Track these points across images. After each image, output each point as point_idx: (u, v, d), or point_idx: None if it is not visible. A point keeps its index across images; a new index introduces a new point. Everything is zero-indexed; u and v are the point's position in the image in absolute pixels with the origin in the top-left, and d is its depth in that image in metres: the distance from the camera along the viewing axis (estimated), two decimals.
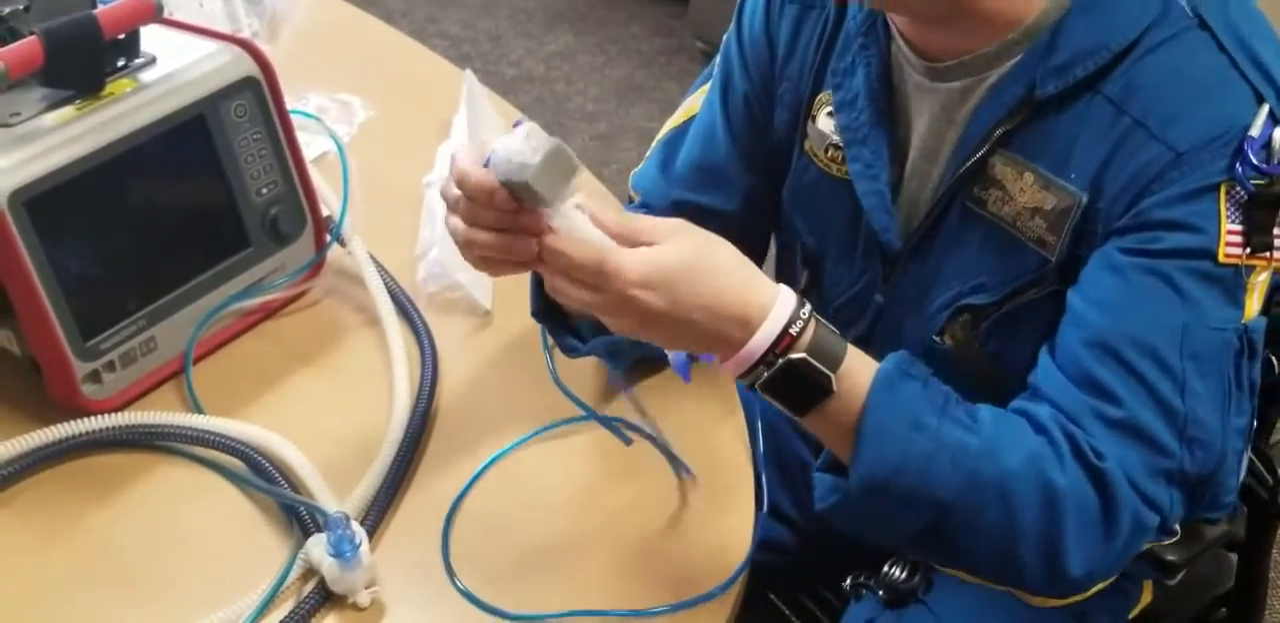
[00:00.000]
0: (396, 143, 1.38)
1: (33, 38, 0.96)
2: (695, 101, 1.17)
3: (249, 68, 1.06)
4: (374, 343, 1.12)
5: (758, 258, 1.09)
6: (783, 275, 1.17)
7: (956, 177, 0.95)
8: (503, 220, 0.80)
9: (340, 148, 1.22)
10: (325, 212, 1.17)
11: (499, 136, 0.77)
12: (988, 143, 0.93)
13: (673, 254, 0.78)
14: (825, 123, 1.04)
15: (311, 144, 1.30)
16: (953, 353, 0.99)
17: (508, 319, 1.16)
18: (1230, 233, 0.85)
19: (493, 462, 1.00)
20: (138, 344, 1.04)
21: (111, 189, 1.00)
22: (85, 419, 0.99)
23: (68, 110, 0.99)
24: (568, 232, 0.78)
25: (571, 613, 0.88)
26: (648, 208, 1.15)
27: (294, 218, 1.13)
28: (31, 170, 0.94)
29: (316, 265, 1.17)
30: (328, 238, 1.16)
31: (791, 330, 0.79)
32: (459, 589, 0.89)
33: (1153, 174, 0.86)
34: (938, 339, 1.00)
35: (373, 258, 1.16)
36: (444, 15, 3.40)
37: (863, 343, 0.86)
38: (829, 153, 1.05)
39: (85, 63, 1.00)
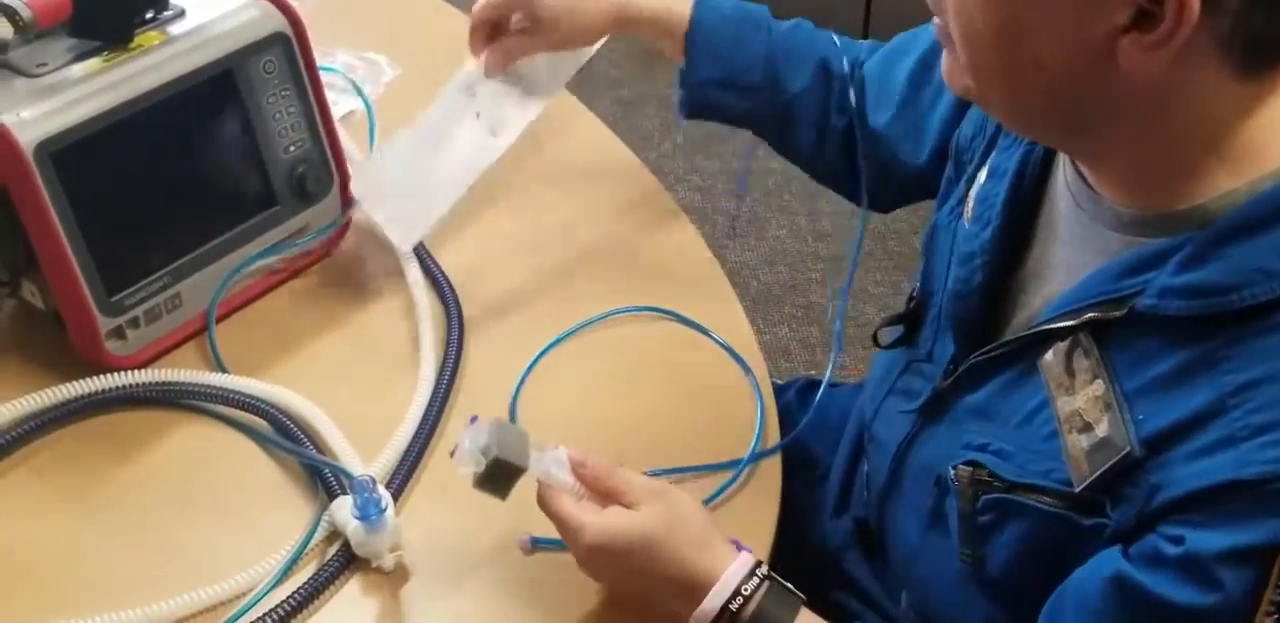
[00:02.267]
0: (423, 103, 1.36)
1: None
2: None
3: (279, 23, 1.05)
4: (400, 304, 1.11)
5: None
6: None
7: (1036, 330, 0.80)
8: None
9: (368, 107, 1.20)
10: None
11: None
12: (1077, 319, 0.76)
13: (635, 526, 0.83)
14: (984, 176, 0.91)
15: (338, 103, 1.28)
16: (956, 499, 0.84)
17: (536, 289, 1.15)
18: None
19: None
20: (162, 301, 1.03)
21: (138, 143, 0.98)
22: (109, 375, 0.98)
23: (95, 62, 0.97)
24: (545, 481, 0.85)
25: None
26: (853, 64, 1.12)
27: (321, 177, 1.11)
28: (58, 121, 0.93)
29: (342, 225, 1.15)
30: (353, 198, 1.15)
31: (732, 606, 0.82)
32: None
33: (1214, 489, 0.68)
34: (953, 472, 0.84)
35: None
36: None
37: (916, 424, 0.91)
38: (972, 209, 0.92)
39: (114, 13, 0.99)
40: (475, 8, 1.13)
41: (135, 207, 1.00)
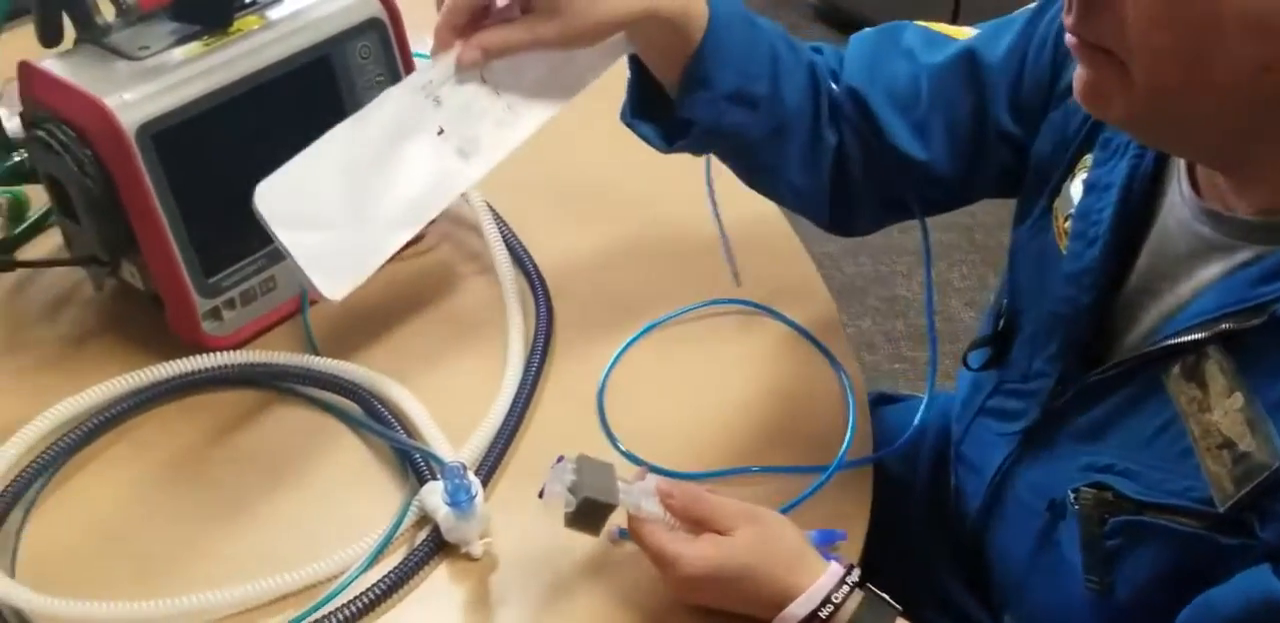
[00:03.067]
0: None
1: None
2: (970, 31, 0.98)
3: (375, 9, 1.05)
4: (488, 291, 1.11)
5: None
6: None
7: (1159, 345, 0.76)
8: None
9: None
10: None
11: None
12: (1208, 331, 0.73)
13: (730, 555, 0.82)
14: (1077, 189, 0.86)
15: None
16: (1078, 524, 0.81)
17: (621, 268, 1.14)
18: None
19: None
20: (258, 283, 1.04)
21: (237, 126, 0.99)
22: (205, 355, 0.99)
23: (195, 46, 0.98)
24: (635, 513, 0.84)
25: None
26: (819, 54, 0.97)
27: None
28: (160, 104, 0.94)
29: None
30: None
31: (821, 613, 0.81)
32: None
33: None
34: (1072, 496, 0.81)
35: (489, 205, 1.15)
36: None
37: (1018, 446, 0.89)
38: (1066, 223, 0.87)
39: None
40: None
41: (232, 189, 1.00)
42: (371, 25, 1.05)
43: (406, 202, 0.88)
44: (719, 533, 0.83)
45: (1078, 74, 0.72)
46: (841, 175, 0.99)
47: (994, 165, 0.97)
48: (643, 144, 0.98)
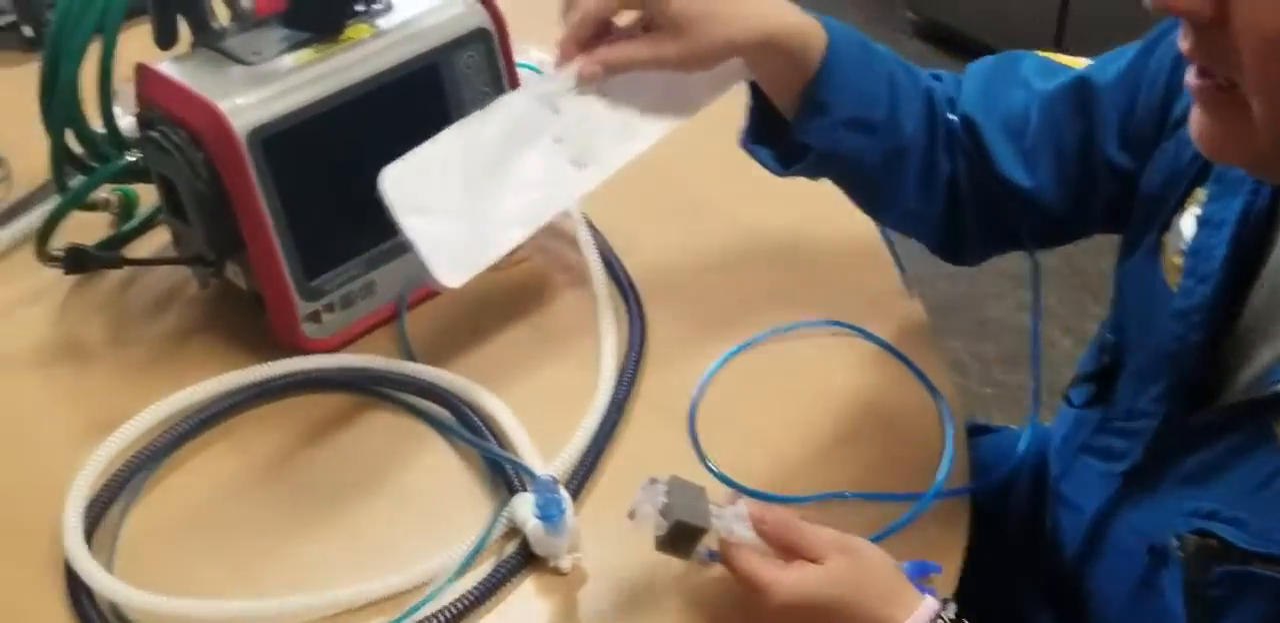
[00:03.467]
0: None
1: None
2: (1084, 62, 0.96)
3: (482, 19, 1.06)
4: (582, 303, 1.11)
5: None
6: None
7: (1270, 390, 0.74)
8: None
9: None
10: None
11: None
12: None
13: (823, 584, 0.80)
14: (1189, 223, 0.83)
15: None
16: (1181, 570, 0.80)
17: (717, 283, 1.14)
18: None
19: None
20: (358, 287, 1.05)
21: (344, 132, 1.00)
22: (304, 358, 1.00)
23: (307, 52, 0.99)
24: (728, 538, 0.83)
25: None
26: (939, 81, 0.97)
27: None
28: (271, 109, 0.95)
29: None
30: None
31: None
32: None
33: None
34: (1175, 542, 0.79)
35: (585, 218, 1.15)
36: None
37: (1120, 487, 0.86)
38: (1176, 259, 0.84)
39: (327, 6, 1.01)
40: None
41: (338, 194, 1.02)
42: (479, 36, 1.05)
43: (522, 202, 0.90)
44: (811, 561, 0.81)
45: (1194, 116, 0.69)
46: (954, 204, 0.98)
47: (1102, 196, 0.94)
48: (743, 160, 0.99)
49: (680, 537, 0.81)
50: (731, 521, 0.83)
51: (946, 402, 1.02)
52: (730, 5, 0.86)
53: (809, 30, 0.88)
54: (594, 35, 0.88)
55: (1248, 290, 0.80)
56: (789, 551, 0.82)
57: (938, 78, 0.98)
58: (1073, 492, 0.95)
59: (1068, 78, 0.94)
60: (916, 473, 0.96)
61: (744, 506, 0.84)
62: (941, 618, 0.80)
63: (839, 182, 0.99)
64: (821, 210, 1.21)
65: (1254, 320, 0.79)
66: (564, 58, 0.89)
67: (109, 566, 0.89)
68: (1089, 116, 0.92)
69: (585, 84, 0.89)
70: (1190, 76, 0.68)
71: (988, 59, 0.99)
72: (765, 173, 0.97)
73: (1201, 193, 0.83)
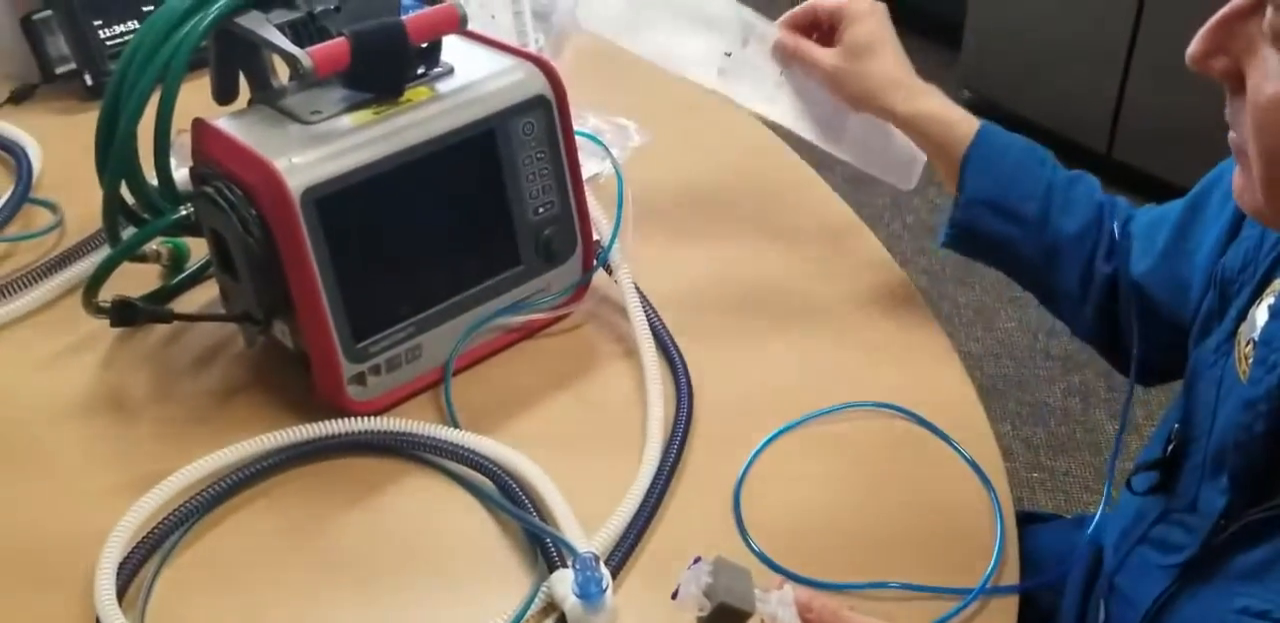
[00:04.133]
0: (666, 171, 1.37)
1: (341, 39, 0.97)
2: None
3: (542, 86, 1.06)
4: (630, 374, 1.09)
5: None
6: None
7: None
8: None
9: (619, 174, 1.20)
10: (594, 235, 1.16)
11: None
12: None
13: None
14: (1264, 314, 0.83)
15: (586, 165, 1.29)
16: None
17: (768, 362, 1.12)
18: None
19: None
20: (404, 351, 1.04)
21: (398, 195, 1.00)
22: (348, 420, 0.99)
23: (365, 113, 0.99)
24: (772, 621, 0.80)
25: None
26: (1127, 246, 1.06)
27: (566, 240, 1.12)
28: (326, 169, 0.95)
29: (580, 289, 1.15)
30: (594, 262, 1.15)
31: None
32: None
33: None
34: None
35: (637, 288, 1.14)
36: None
37: (1176, 580, 0.84)
38: (1248, 348, 0.84)
39: (389, 67, 1.01)
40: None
41: (389, 257, 1.02)
42: (538, 103, 1.05)
43: (678, 55, 1.17)
44: None
45: (1236, 178, 0.74)
46: (1112, 314, 1.07)
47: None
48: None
49: (723, 619, 0.79)
50: (776, 606, 0.80)
51: (998, 495, 0.99)
52: (891, 65, 1.10)
53: (954, 119, 1.09)
54: (808, 26, 1.14)
55: None
56: None
57: (1123, 204, 1.09)
58: (1129, 585, 0.93)
59: (1198, 189, 1.02)
60: (966, 562, 0.93)
61: (790, 590, 0.81)
62: None
63: (1000, 267, 1.13)
64: (878, 291, 1.20)
65: None
66: (780, 29, 1.14)
67: (140, 621, 0.88)
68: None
69: (775, 53, 1.15)
70: (1232, 136, 0.73)
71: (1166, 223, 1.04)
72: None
73: (1278, 283, 0.83)
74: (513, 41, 1.52)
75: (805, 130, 1.20)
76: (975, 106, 3.08)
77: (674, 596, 0.79)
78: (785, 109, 1.19)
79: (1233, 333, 0.86)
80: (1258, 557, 0.78)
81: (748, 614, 0.79)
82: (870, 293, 1.20)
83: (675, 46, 1.15)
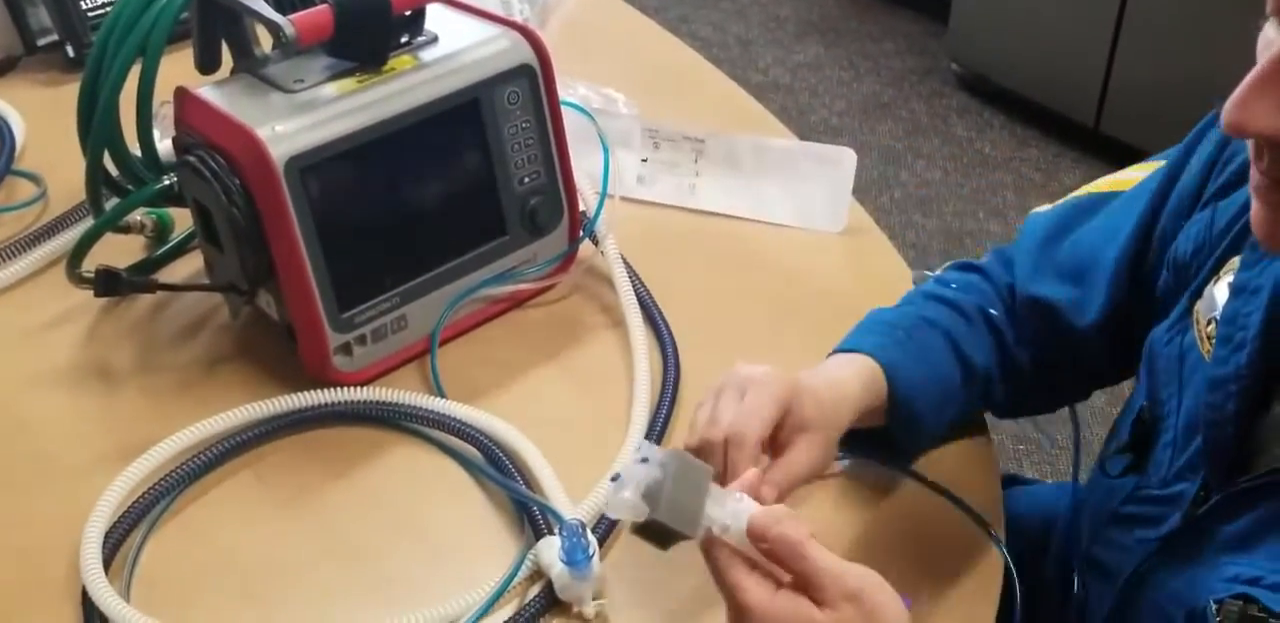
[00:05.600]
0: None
1: (325, 7, 0.96)
2: (1143, 172, 0.99)
3: (527, 55, 1.05)
4: (616, 345, 1.09)
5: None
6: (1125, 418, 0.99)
7: None
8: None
9: (605, 145, 1.20)
10: (581, 206, 1.15)
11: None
12: None
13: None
14: (1222, 292, 0.83)
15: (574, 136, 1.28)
16: None
17: (757, 335, 1.12)
18: None
19: None
20: (390, 321, 1.04)
21: (382, 164, 0.99)
22: (333, 390, 0.99)
23: (349, 81, 0.99)
24: (720, 533, 0.70)
25: None
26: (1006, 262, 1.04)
27: (552, 210, 1.11)
28: (310, 138, 0.94)
29: (567, 260, 1.15)
30: (581, 233, 1.14)
31: None
32: None
33: None
34: (1214, 606, 0.76)
35: (624, 258, 1.13)
36: (696, 16, 3.40)
37: (1156, 553, 0.84)
38: (1209, 327, 0.84)
39: (372, 36, 1.00)
40: (744, 423, 0.82)
41: (373, 227, 1.01)
42: (522, 71, 1.05)
43: None
44: (812, 599, 0.70)
45: (1256, 212, 0.70)
46: (1050, 380, 1.03)
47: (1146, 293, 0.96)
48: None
49: (658, 533, 0.69)
50: (729, 517, 0.70)
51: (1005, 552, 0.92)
52: (825, 409, 0.87)
53: (874, 379, 0.92)
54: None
55: None
56: (791, 576, 0.71)
57: (979, 279, 1.04)
58: (1106, 557, 0.93)
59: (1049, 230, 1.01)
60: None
61: (750, 505, 0.72)
62: None
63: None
64: (866, 259, 1.20)
65: None
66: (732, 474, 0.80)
67: (126, 593, 0.88)
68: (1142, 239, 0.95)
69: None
70: (1254, 177, 0.69)
71: (1038, 229, 1.03)
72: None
73: (1235, 262, 0.83)
74: (498, 11, 1.52)
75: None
76: (964, 79, 3.09)
77: (612, 479, 0.70)
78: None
79: (1188, 310, 0.86)
80: (1243, 526, 0.78)
81: (685, 538, 0.69)
82: (859, 262, 1.19)
83: None
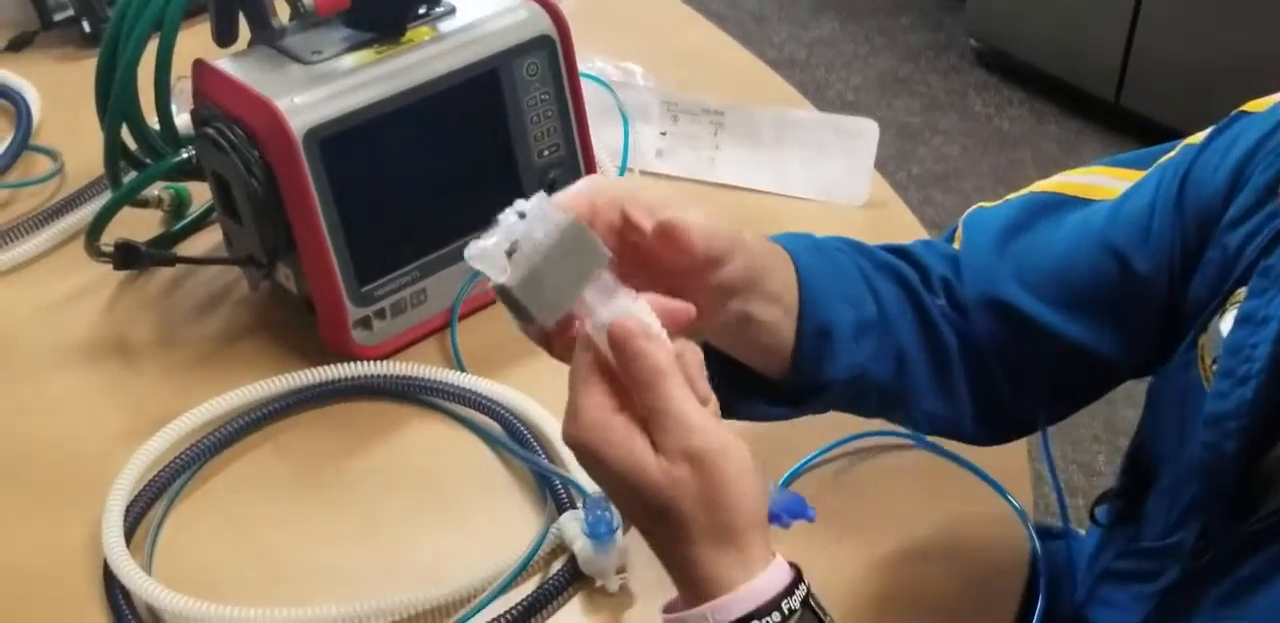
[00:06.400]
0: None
1: None
2: (1109, 179, 0.86)
3: (546, 26, 1.04)
4: None
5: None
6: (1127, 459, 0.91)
7: None
8: None
9: (625, 117, 1.19)
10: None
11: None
12: None
13: (644, 483, 0.59)
14: (1228, 323, 0.75)
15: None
16: None
17: None
18: None
19: None
20: (409, 294, 1.03)
21: (401, 136, 0.99)
22: (353, 364, 0.99)
23: (367, 53, 0.98)
24: (589, 326, 0.60)
25: None
26: (957, 267, 0.85)
27: (571, 182, 1.09)
28: (328, 110, 0.94)
29: None
30: None
31: None
32: None
33: None
34: None
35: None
36: None
37: (1156, 608, 0.77)
38: (1214, 362, 0.76)
39: (390, 7, 1.00)
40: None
41: (392, 199, 1.01)
42: (541, 43, 1.04)
43: None
44: (652, 443, 0.60)
45: None
46: (983, 384, 0.84)
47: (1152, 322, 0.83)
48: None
49: (512, 303, 0.58)
50: (602, 312, 0.59)
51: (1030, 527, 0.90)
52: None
53: (769, 254, 0.73)
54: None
55: None
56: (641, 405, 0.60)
57: (901, 252, 0.85)
58: (1104, 617, 0.87)
59: (1093, 222, 0.83)
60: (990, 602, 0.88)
61: (643, 309, 0.60)
62: (783, 608, 0.59)
63: (847, 405, 0.82)
64: (891, 236, 1.19)
65: None
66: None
67: (148, 566, 0.88)
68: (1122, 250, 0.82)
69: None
70: None
71: (990, 224, 0.87)
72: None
73: (1244, 292, 0.75)
74: None
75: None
76: (982, 55, 3.07)
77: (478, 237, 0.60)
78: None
79: (1193, 344, 0.79)
80: (1240, 578, 0.72)
81: (533, 320, 0.59)
82: (881, 235, 1.18)
83: None
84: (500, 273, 0.57)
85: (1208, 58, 2.48)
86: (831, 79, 3.02)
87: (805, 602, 0.60)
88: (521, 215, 0.58)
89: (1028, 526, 0.91)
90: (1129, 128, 2.76)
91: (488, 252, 0.57)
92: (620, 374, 0.60)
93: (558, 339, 0.64)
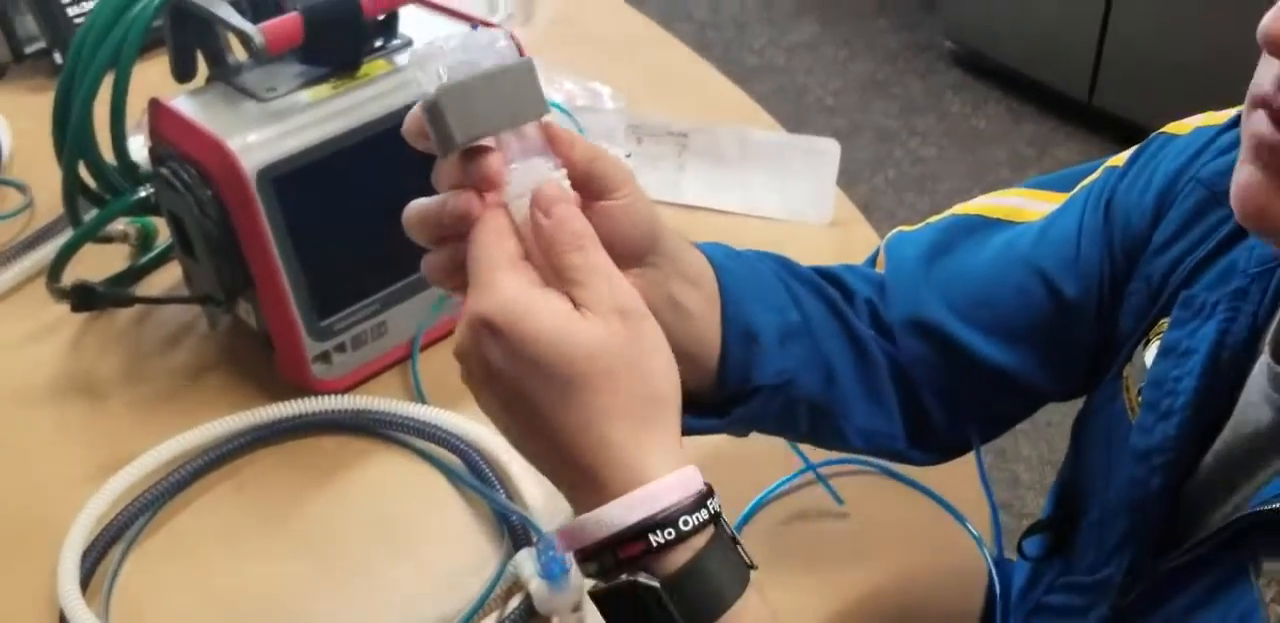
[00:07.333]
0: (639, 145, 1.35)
1: (294, 14, 0.95)
2: (1031, 202, 0.85)
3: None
4: None
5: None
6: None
7: (1236, 532, 0.64)
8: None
9: None
10: None
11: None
12: None
13: (563, 337, 0.55)
14: (1152, 354, 0.74)
15: None
16: None
17: None
18: None
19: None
20: (369, 328, 1.03)
21: (358, 171, 0.98)
22: (313, 399, 0.99)
23: (323, 88, 0.98)
24: (506, 192, 0.57)
25: None
26: (881, 289, 0.83)
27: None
28: (283, 147, 0.94)
29: None
30: None
31: (657, 539, 0.54)
32: None
33: None
34: None
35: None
36: None
37: None
38: (1139, 394, 0.74)
39: (344, 42, 0.99)
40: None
41: (350, 234, 1.01)
42: None
43: None
44: (574, 302, 0.56)
45: (1245, 176, 0.59)
46: (913, 405, 0.82)
47: (1080, 349, 0.82)
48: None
49: (433, 119, 0.57)
50: (527, 173, 0.57)
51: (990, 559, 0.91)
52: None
53: (688, 252, 0.70)
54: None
55: (1218, 430, 0.70)
56: (556, 272, 0.57)
57: (823, 272, 0.83)
58: None
59: (1019, 246, 0.82)
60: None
61: (547, 172, 0.58)
62: (706, 508, 0.55)
63: (779, 428, 0.79)
64: (856, 255, 1.19)
65: (1219, 464, 0.70)
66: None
67: (105, 610, 0.88)
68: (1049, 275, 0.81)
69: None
70: (1265, 128, 0.58)
71: (912, 247, 0.85)
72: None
73: (1166, 323, 0.74)
74: (483, 10, 1.52)
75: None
76: (958, 56, 3.07)
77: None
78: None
79: (1118, 375, 0.77)
80: (1171, 613, 0.69)
81: (452, 144, 0.57)
82: (846, 254, 1.18)
83: None
84: (438, 82, 0.55)
85: (1178, 57, 2.49)
86: (810, 83, 3.02)
87: (718, 514, 0.56)
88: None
89: (985, 553, 0.91)
90: (1102, 126, 2.77)
91: (431, 60, 0.56)
92: (539, 238, 0.57)
93: (461, 177, 0.60)
